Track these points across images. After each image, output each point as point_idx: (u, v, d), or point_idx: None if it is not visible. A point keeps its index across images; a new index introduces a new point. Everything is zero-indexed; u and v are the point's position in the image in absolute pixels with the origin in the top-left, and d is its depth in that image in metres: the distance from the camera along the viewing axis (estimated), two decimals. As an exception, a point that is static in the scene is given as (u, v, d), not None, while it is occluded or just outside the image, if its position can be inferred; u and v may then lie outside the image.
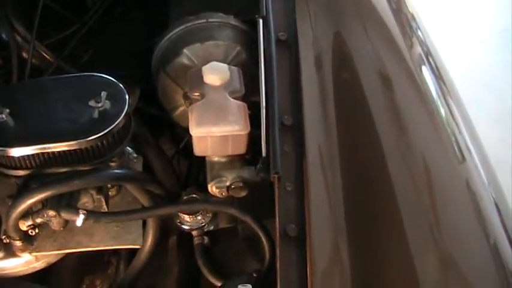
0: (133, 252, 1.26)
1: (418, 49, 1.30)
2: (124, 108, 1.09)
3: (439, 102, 1.18)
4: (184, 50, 1.29)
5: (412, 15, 1.41)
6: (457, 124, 1.17)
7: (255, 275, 1.05)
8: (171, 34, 1.33)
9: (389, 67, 1.22)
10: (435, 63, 1.29)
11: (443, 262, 0.96)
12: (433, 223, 0.99)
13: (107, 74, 1.15)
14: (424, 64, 1.27)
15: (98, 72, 1.16)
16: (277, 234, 0.96)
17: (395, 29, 1.30)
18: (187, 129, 1.12)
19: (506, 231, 1.01)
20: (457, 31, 3.80)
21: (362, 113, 1.11)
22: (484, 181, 1.08)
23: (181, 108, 1.36)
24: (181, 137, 1.50)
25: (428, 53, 1.31)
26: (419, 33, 1.37)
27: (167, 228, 1.28)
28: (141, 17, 1.64)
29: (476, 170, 1.09)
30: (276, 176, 1.02)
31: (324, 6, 1.31)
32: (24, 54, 1.34)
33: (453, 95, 1.24)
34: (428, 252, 0.96)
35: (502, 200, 1.08)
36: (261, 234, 1.09)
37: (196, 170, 1.39)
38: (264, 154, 1.08)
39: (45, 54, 1.37)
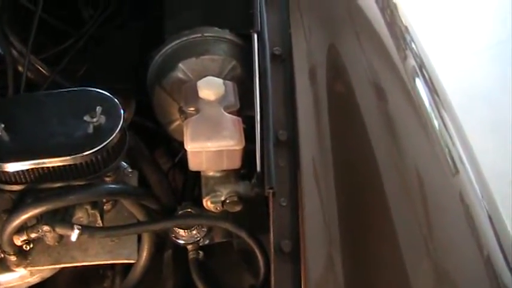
0: (129, 266, 1.25)
1: (411, 61, 1.31)
2: (119, 123, 1.09)
3: (432, 115, 1.19)
4: (180, 65, 1.29)
5: (406, 28, 1.42)
6: (450, 136, 1.17)
7: (249, 290, 1.05)
8: (166, 48, 1.33)
9: (383, 80, 1.23)
10: (429, 75, 1.30)
11: (437, 274, 0.96)
12: (426, 235, 1.00)
13: (102, 88, 1.15)
14: (418, 76, 1.28)
15: (94, 86, 1.16)
16: (272, 250, 0.97)
17: (389, 42, 1.31)
18: (182, 144, 1.13)
19: (499, 243, 1.02)
20: (454, 42, 3.82)
21: (356, 127, 1.12)
22: (477, 193, 1.09)
23: (177, 123, 1.35)
24: (177, 151, 1.50)
25: (422, 66, 1.31)
26: (413, 45, 1.37)
27: (162, 243, 1.28)
28: (138, 29, 1.64)
29: (470, 182, 1.10)
30: (271, 191, 1.02)
31: (318, 20, 1.32)
32: (20, 68, 1.34)
33: (447, 108, 1.25)
34: (421, 264, 0.96)
35: (495, 212, 1.09)
36: (255, 249, 1.09)
37: (191, 184, 1.39)
38: (258, 169, 1.08)
39: (40, 68, 1.36)
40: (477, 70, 3.61)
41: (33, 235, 1.07)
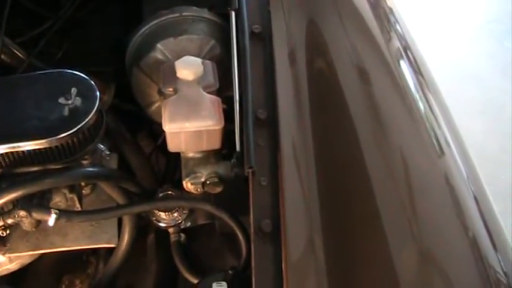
0: (112, 252, 1.24)
1: (396, 43, 1.29)
2: (95, 104, 1.07)
3: (417, 96, 1.17)
4: (158, 45, 1.28)
5: (391, 9, 1.40)
6: (435, 118, 1.16)
7: (231, 272, 1.04)
8: (144, 29, 1.32)
9: (366, 59, 1.21)
10: (414, 57, 1.28)
11: (422, 255, 0.95)
12: (410, 217, 0.98)
13: (80, 71, 1.13)
14: (403, 58, 1.26)
15: (72, 69, 1.14)
16: (252, 230, 0.95)
17: (373, 23, 1.29)
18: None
19: (485, 224, 1.01)
20: (444, 22, 3.81)
21: (337, 107, 1.10)
22: (463, 175, 1.08)
23: (157, 104, 1.34)
24: (160, 133, 1.48)
25: (406, 47, 1.29)
26: (398, 27, 1.35)
27: (145, 226, 1.27)
28: (116, 12, 1.62)
29: (455, 163, 1.09)
30: (250, 170, 1.00)
31: None
32: None
33: (432, 89, 1.23)
34: (406, 246, 0.95)
35: (481, 193, 1.08)
36: (237, 230, 1.08)
37: (173, 167, 1.37)
38: (238, 149, 1.07)
39: (16, 52, 1.34)
40: (467, 50, 3.60)
41: (9, 221, 1.06)
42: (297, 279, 0.90)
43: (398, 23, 1.37)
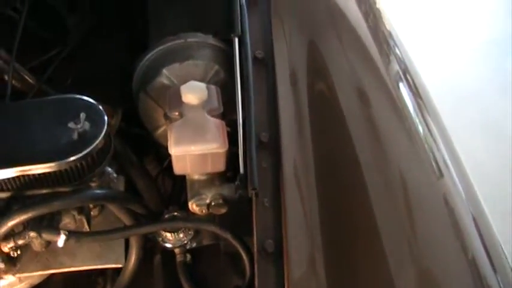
0: (119, 272, 1.26)
1: (395, 66, 1.32)
2: (103, 129, 1.10)
3: (416, 119, 1.19)
4: (164, 70, 1.30)
5: (390, 33, 1.42)
6: (434, 140, 1.18)
7: (235, 291, 1.06)
8: (150, 54, 1.34)
9: (366, 83, 1.24)
10: (413, 80, 1.31)
11: (421, 277, 0.97)
12: (410, 238, 1.00)
13: (89, 97, 1.16)
14: (402, 81, 1.28)
15: (80, 95, 1.17)
16: (255, 250, 0.97)
17: (372, 46, 1.32)
18: (168, 149, 1.14)
19: (484, 245, 1.02)
20: (444, 41, 3.83)
21: (337, 129, 1.13)
22: (462, 196, 1.09)
23: (163, 128, 1.36)
24: (166, 157, 1.51)
25: (405, 70, 1.32)
26: (397, 50, 1.38)
27: (152, 247, 1.29)
28: (123, 38, 1.65)
29: (454, 185, 1.10)
30: (254, 192, 1.03)
31: (301, 24, 1.33)
32: (6, 77, 1.35)
33: (431, 112, 1.25)
34: (405, 267, 0.97)
35: (480, 214, 1.09)
36: (240, 250, 1.10)
37: (179, 189, 1.40)
38: (241, 171, 1.09)
39: (26, 77, 1.37)
40: (466, 70, 3.62)
41: (20, 242, 1.08)
42: (299, 298, 0.93)
43: (398, 47, 1.39)
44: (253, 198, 1.03)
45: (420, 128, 1.18)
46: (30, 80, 1.38)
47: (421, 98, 1.27)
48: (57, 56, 1.50)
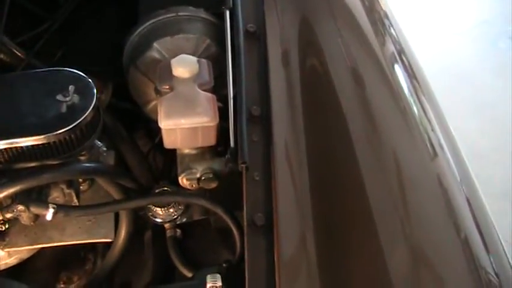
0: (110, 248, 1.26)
1: (390, 46, 1.31)
2: (92, 101, 1.08)
3: (410, 99, 1.19)
4: (154, 44, 1.29)
5: (385, 13, 1.41)
6: (429, 121, 1.17)
7: (225, 265, 1.06)
8: (141, 28, 1.33)
9: (360, 61, 1.23)
10: (408, 61, 1.30)
11: (413, 255, 0.96)
12: (403, 216, 1.00)
13: (76, 69, 1.15)
14: (397, 62, 1.27)
15: (70, 68, 1.16)
16: (245, 223, 0.97)
17: (367, 26, 1.31)
18: (159, 123, 1.13)
19: (477, 225, 1.02)
20: (438, 22, 3.82)
21: (330, 104, 1.12)
22: (456, 177, 1.09)
23: (154, 103, 1.35)
24: (157, 132, 1.50)
25: (401, 51, 1.31)
26: (392, 31, 1.37)
27: (142, 223, 1.28)
28: (113, 13, 1.64)
29: (449, 166, 1.10)
30: (244, 165, 1.02)
31: None
32: None
33: (426, 93, 1.25)
34: (397, 245, 0.96)
35: (474, 195, 1.09)
36: (231, 224, 1.09)
37: (169, 164, 1.39)
38: (232, 144, 1.08)
39: (15, 51, 1.36)
40: (460, 50, 3.62)
41: (8, 215, 1.08)
42: (288, 271, 0.92)
43: (393, 27, 1.38)
44: (244, 172, 1.02)
45: (415, 108, 1.17)
46: (19, 54, 1.37)
47: (416, 78, 1.26)
48: (47, 30, 1.48)
